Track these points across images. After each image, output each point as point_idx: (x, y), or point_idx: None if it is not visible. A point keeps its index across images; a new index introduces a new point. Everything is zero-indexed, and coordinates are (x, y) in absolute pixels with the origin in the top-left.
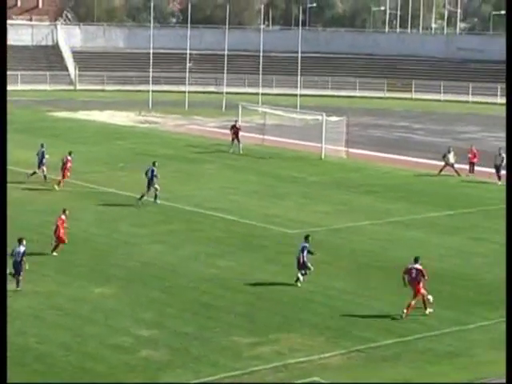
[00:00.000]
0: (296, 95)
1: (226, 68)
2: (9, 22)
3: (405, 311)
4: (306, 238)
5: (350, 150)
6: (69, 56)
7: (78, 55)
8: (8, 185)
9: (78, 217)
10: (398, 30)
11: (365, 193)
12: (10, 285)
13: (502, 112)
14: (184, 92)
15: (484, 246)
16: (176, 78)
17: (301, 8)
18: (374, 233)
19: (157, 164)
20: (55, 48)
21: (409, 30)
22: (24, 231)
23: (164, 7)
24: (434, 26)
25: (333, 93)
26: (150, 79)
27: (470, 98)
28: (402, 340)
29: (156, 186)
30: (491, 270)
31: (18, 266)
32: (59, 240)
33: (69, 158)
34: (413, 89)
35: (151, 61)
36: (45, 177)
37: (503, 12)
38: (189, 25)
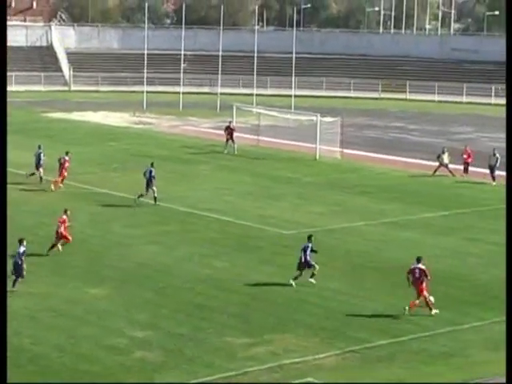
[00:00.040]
0: (290, 96)
1: (220, 69)
2: None
3: (407, 308)
4: (309, 237)
5: (345, 150)
6: (63, 57)
7: (72, 56)
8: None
9: (72, 218)
10: (392, 30)
11: (359, 193)
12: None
13: (496, 112)
14: (178, 93)
15: (479, 247)
16: (170, 79)
17: (295, 9)
18: (369, 233)
19: (155, 165)
20: (49, 49)
21: (403, 31)
22: (19, 232)
23: (158, 8)
24: (428, 26)
25: (327, 93)
26: (145, 80)
27: (465, 99)
28: (396, 340)
29: (154, 187)
30: (486, 271)
31: (17, 267)
32: (63, 238)
33: (66, 158)
34: (407, 89)
35: (145, 62)
36: (41, 178)
37: (497, 13)
38: (183, 25)
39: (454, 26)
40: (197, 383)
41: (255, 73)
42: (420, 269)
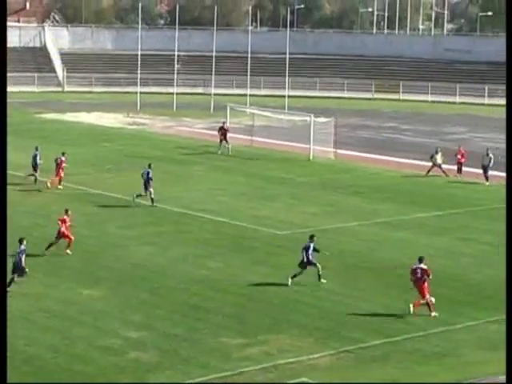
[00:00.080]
0: (284, 96)
1: (213, 69)
2: None
3: (411, 306)
4: (311, 237)
5: (338, 151)
6: (57, 58)
7: (65, 57)
8: None
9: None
10: (385, 31)
11: (353, 194)
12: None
13: (489, 113)
14: (172, 93)
15: (472, 247)
16: (164, 80)
17: (289, 9)
18: (362, 234)
19: (152, 166)
20: (43, 50)
21: (396, 31)
22: (13, 233)
23: (152, 9)
24: (421, 27)
25: (321, 94)
26: (138, 81)
27: (458, 99)
28: (390, 340)
29: (151, 189)
30: (479, 271)
31: (16, 266)
32: (64, 237)
33: (62, 158)
34: (400, 90)
35: (139, 62)
36: (35, 179)
37: (490, 13)
38: (177, 26)
39: (447, 26)
40: (192, 383)
41: (249, 73)
42: (422, 269)
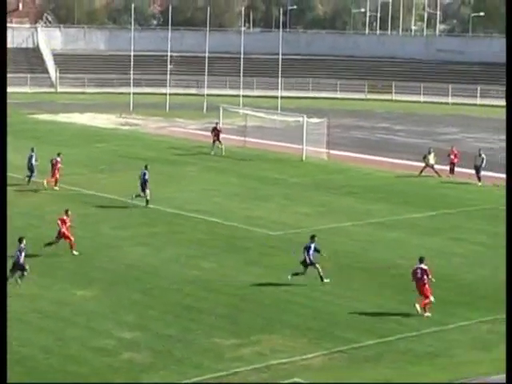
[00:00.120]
0: (277, 97)
1: (206, 70)
2: None
3: (418, 308)
4: (312, 237)
5: (331, 151)
6: (49, 58)
7: (58, 58)
8: None
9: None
10: (378, 31)
11: (346, 194)
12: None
13: (482, 113)
14: (165, 94)
15: (464, 247)
16: (157, 80)
17: (281, 10)
18: (355, 234)
19: (149, 167)
20: (36, 50)
21: (389, 32)
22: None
23: (145, 9)
24: (413, 27)
25: (313, 94)
26: (131, 81)
27: (450, 100)
28: (383, 340)
29: (147, 190)
30: (472, 271)
31: (15, 264)
32: (65, 238)
33: (58, 159)
34: (393, 90)
35: (132, 63)
36: (28, 181)
37: (482, 14)
38: (169, 27)
39: (440, 27)
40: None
41: (241, 74)
42: (422, 269)
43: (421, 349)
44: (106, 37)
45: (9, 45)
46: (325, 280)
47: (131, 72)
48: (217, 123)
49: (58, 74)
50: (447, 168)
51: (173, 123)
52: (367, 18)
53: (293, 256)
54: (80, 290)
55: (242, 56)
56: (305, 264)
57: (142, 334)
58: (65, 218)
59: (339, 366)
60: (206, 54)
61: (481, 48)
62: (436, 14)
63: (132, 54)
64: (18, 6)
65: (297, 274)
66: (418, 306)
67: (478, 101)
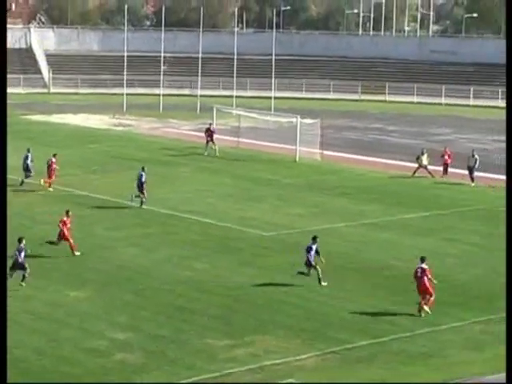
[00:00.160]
0: (270, 98)
1: (200, 71)
2: None
3: (426, 308)
4: (314, 238)
5: (325, 152)
6: (42, 59)
7: (51, 58)
8: None
9: (53, 220)
10: (371, 32)
11: (339, 195)
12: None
13: (475, 114)
14: (158, 95)
15: (457, 247)
16: (150, 81)
17: (275, 11)
18: (349, 235)
19: (146, 169)
20: (29, 51)
21: (382, 33)
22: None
23: (138, 10)
24: (406, 28)
25: (307, 95)
26: (125, 82)
27: (443, 100)
28: (376, 341)
29: (144, 191)
30: (465, 271)
31: (15, 263)
32: (65, 240)
33: (53, 160)
34: (386, 91)
35: (125, 64)
36: (22, 182)
37: (475, 15)
38: (163, 27)
39: (433, 27)
40: None
41: (235, 75)
42: (422, 268)
43: (414, 349)
44: (99, 37)
45: None
46: (322, 283)
47: (124, 73)
48: (210, 124)
49: (51, 75)
50: (440, 169)
51: (166, 124)
52: (360, 19)
53: (292, 256)
54: (73, 291)
55: (235, 57)
56: (308, 264)
57: (134, 335)
58: (65, 219)
59: (332, 367)
60: (200, 55)
61: (474, 49)
62: (429, 15)
63: (125, 54)
64: (10, 7)
65: (302, 274)
66: (426, 307)
67: (471, 101)
